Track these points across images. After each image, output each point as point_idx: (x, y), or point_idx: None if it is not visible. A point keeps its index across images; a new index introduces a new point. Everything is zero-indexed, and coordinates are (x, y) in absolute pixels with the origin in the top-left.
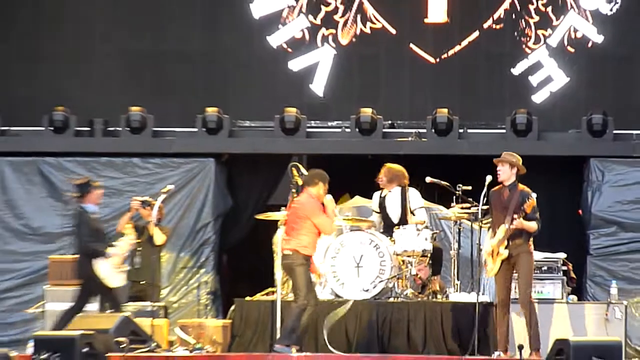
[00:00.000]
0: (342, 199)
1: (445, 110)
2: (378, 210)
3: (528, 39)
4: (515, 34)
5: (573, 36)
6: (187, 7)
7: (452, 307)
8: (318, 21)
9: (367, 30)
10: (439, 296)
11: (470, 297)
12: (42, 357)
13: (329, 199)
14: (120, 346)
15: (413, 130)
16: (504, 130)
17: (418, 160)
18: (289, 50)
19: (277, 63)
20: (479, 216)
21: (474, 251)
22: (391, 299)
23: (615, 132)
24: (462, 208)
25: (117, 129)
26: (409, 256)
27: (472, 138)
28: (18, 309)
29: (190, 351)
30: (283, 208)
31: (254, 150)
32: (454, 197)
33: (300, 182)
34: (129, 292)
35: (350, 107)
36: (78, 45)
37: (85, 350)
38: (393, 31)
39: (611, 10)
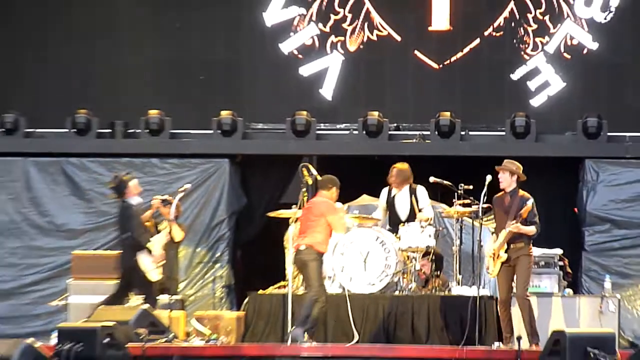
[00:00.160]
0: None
1: (448, 113)
2: (385, 207)
3: (526, 46)
4: (514, 41)
5: (569, 43)
6: (204, 16)
7: (454, 300)
8: (327, 29)
9: (374, 38)
10: (441, 290)
11: (471, 291)
12: (65, 347)
13: (339, 206)
14: (140, 337)
15: (417, 133)
16: (503, 133)
17: (422, 161)
18: (300, 56)
19: (289, 69)
20: (480, 214)
21: (474, 247)
22: (396, 293)
23: (609, 134)
24: (464, 206)
25: (137, 131)
26: (413, 252)
27: (473, 140)
28: (43, 302)
29: (206, 342)
30: (294, 206)
31: (266, 152)
32: (456, 195)
33: (310, 182)
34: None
35: (358, 110)
36: (101, 52)
37: (106, 340)
38: (398, 38)
39: (605, 18)
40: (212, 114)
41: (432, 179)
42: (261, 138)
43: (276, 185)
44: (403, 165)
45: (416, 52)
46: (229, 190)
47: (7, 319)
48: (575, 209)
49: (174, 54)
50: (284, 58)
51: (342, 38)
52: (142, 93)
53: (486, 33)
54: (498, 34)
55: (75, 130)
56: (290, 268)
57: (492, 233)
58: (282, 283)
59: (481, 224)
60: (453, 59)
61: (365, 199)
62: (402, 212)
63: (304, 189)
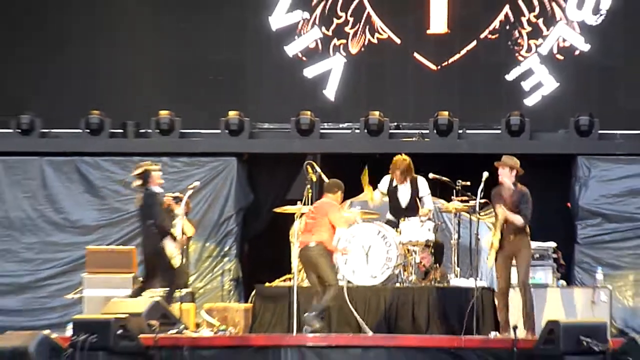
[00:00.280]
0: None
1: (446, 112)
2: (386, 193)
3: (521, 48)
4: (509, 43)
5: (562, 45)
6: (213, 20)
7: (452, 291)
8: (330, 32)
9: (375, 41)
10: (440, 282)
11: (469, 283)
12: (80, 338)
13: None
14: (152, 328)
15: (417, 131)
16: (499, 131)
17: (421, 159)
18: (304, 59)
19: (293, 71)
20: (477, 209)
21: (472, 241)
22: (397, 285)
23: (600, 132)
24: (462, 201)
25: (148, 130)
26: (413, 245)
27: (470, 138)
28: (58, 295)
29: (215, 332)
30: (299, 202)
31: (272, 150)
32: (454, 191)
33: (314, 179)
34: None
35: (360, 110)
36: (113, 55)
37: (119, 332)
38: (398, 41)
39: (597, 21)
40: (220, 114)
41: (431, 176)
42: (267, 137)
43: (282, 182)
44: (404, 161)
45: (415, 54)
46: (236, 187)
47: (24, 312)
48: (568, 204)
49: (184, 57)
50: (288, 60)
51: (344, 41)
52: (153, 94)
53: (482, 36)
54: (494, 37)
55: (88, 130)
56: (295, 262)
57: (493, 228)
58: (287, 276)
59: (478, 219)
60: (451, 60)
61: (366, 194)
62: (403, 200)
63: (309, 186)
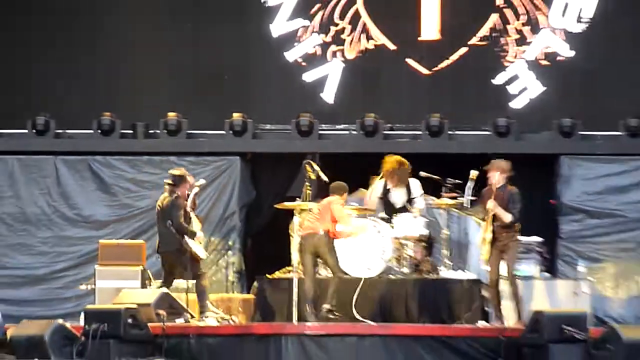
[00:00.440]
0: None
1: (437, 114)
2: (381, 196)
3: (507, 54)
4: (497, 49)
5: (546, 51)
6: (218, 27)
7: (443, 283)
8: (328, 39)
9: (370, 47)
10: (431, 274)
11: (458, 274)
12: (92, 327)
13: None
14: (160, 318)
15: (410, 132)
16: (487, 132)
17: (413, 158)
18: (303, 64)
19: (293, 75)
20: (466, 205)
21: (461, 235)
22: (391, 276)
23: (582, 133)
24: (451, 198)
25: (157, 131)
26: (406, 240)
27: (460, 139)
28: (72, 286)
29: (219, 322)
30: (298, 199)
31: (273, 150)
32: (444, 189)
33: (313, 177)
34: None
35: (356, 112)
36: (124, 60)
37: (129, 321)
38: (392, 47)
39: (579, 29)
40: (225, 116)
41: (422, 174)
42: (269, 138)
43: (282, 180)
44: (400, 165)
45: (408, 59)
46: (240, 185)
47: (40, 302)
48: (552, 201)
49: (191, 61)
50: (289, 65)
51: (341, 47)
52: (161, 97)
53: (471, 42)
54: (482, 43)
55: (100, 131)
56: (295, 254)
57: (483, 220)
58: (288, 268)
59: (467, 215)
60: (441, 65)
61: (362, 192)
62: (398, 202)
63: (308, 184)
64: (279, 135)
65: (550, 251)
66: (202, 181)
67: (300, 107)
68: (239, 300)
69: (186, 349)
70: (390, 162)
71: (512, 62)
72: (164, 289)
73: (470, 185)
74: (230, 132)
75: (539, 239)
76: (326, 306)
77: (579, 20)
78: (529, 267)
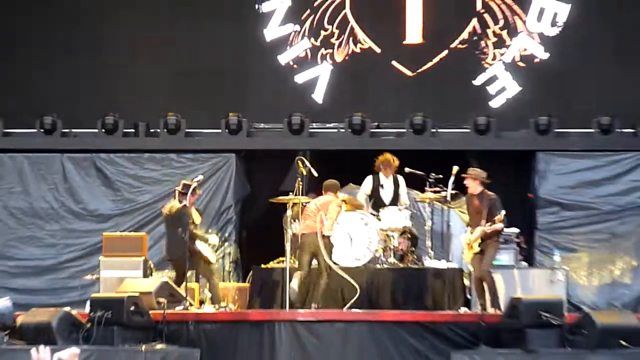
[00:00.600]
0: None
1: (421, 113)
2: (369, 193)
3: (487, 56)
4: (477, 52)
5: (523, 54)
6: (214, 31)
7: (426, 272)
8: (318, 43)
9: (358, 50)
10: (416, 263)
11: (440, 264)
12: (97, 314)
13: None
14: (161, 305)
15: (395, 130)
16: (468, 130)
17: (398, 155)
18: (295, 66)
19: (286, 77)
20: (448, 199)
21: (443, 227)
22: (378, 266)
23: (557, 131)
24: (434, 192)
25: (157, 130)
26: (392, 231)
27: (442, 136)
28: (78, 276)
29: (217, 309)
30: (291, 193)
31: (267, 147)
32: (428, 183)
33: (304, 173)
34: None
35: (344, 111)
36: (126, 63)
37: (132, 308)
38: (378, 50)
39: (554, 32)
40: (221, 115)
41: (407, 170)
42: (263, 136)
43: (275, 175)
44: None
45: (393, 62)
46: (235, 180)
47: (48, 291)
48: (530, 194)
49: (189, 63)
50: (281, 68)
51: (330, 50)
52: (161, 98)
53: (452, 45)
54: (463, 47)
55: (104, 130)
56: (287, 245)
57: (468, 226)
58: (281, 258)
59: (449, 208)
60: (425, 67)
61: (351, 186)
62: (387, 197)
63: (299, 179)
64: (272, 134)
65: (527, 242)
66: (200, 177)
67: (292, 107)
68: (235, 288)
69: (185, 335)
70: (385, 156)
71: (491, 64)
72: (164, 278)
73: (452, 180)
74: (226, 130)
75: (517, 230)
76: (314, 305)
77: (553, 24)
78: (508, 257)
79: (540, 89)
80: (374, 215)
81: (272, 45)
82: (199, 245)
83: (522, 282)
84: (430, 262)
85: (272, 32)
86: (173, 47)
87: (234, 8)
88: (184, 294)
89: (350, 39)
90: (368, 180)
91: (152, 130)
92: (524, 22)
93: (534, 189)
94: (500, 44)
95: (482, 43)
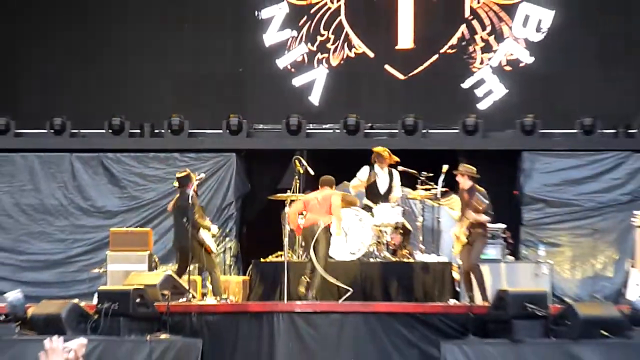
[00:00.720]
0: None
1: (412, 115)
2: (365, 181)
3: (475, 60)
4: (465, 57)
5: (509, 58)
6: (217, 37)
7: (418, 265)
8: (314, 48)
9: (352, 55)
10: (407, 257)
11: (431, 258)
12: (104, 306)
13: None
14: (165, 297)
15: (387, 131)
16: (457, 130)
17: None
18: (293, 70)
19: (284, 80)
20: (438, 196)
21: (434, 223)
22: (371, 260)
23: (541, 131)
24: (425, 190)
25: (162, 131)
26: (385, 227)
27: (432, 137)
28: (86, 269)
29: (218, 301)
30: (288, 191)
31: (266, 147)
32: (419, 181)
33: (301, 171)
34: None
35: (340, 113)
36: (132, 67)
37: (137, 300)
38: (372, 55)
39: (539, 38)
40: (222, 116)
41: (400, 168)
42: (262, 136)
43: (274, 174)
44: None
45: (386, 66)
46: (236, 178)
47: (57, 284)
48: (515, 192)
49: (192, 67)
50: (279, 71)
51: (326, 55)
52: (165, 100)
53: (442, 50)
54: (452, 51)
55: (111, 131)
56: (286, 240)
57: (458, 221)
58: (279, 253)
59: (439, 205)
60: (416, 71)
61: (345, 184)
62: (382, 187)
63: (297, 177)
64: (270, 134)
65: (513, 237)
66: (202, 175)
67: (290, 109)
68: (236, 281)
69: (188, 326)
70: (379, 149)
71: (478, 68)
72: (169, 272)
73: (442, 178)
74: (227, 131)
75: (504, 226)
76: (312, 295)
77: (538, 30)
78: (495, 251)
79: (526, 92)
80: (368, 207)
81: (271, 50)
82: (202, 234)
83: (508, 275)
84: (421, 257)
85: (270, 37)
86: (178, 52)
87: (235, 15)
88: (187, 287)
89: (345, 44)
90: (365, 169)
91: (156, 131)
92: (510, 28)
93: (519, 187)
94: (487, 49)
95: (471, 48)
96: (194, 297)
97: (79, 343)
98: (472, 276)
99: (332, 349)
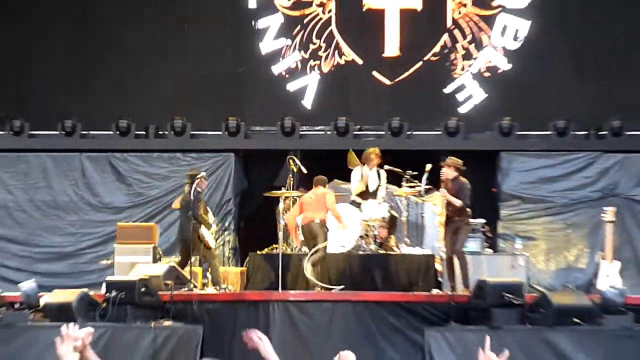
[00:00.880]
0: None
1: (398, 118)
2: (360, 179)
3: (456, 67)
4: (447, 64)
5: (488, 65)
6: (218, 45)
7: (403, 257)
8: (307, 55)
9: (342, 62)
10: (393, 250)
11: (415, 250)
12: (112, 295)
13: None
14: (168, 287)
15: (375, 132)
16: (440, 132)
17: None
18: (287, 76)
19: (279, 85)
20: (422, 193)
21: (418, 218)
22: (360, 252)
23: (518, 133)
24: (410, 187)
25: (165, 132)
26: (372, 222)
27: (417, 138)
28: (95, 261)
29: (217, 290)
30: (283, 188)
31: (262, 147)
32: (404, 179)
33: (295, 170)
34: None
35: (330, 116)
36: (138, 72)
37: (142, 290)
38: (360, 62)
39: (516, 46)
40: (222, 119)
41: (386, 167)
42: (258, 137)
43: (270, 172)
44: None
45: (374, 72)
46: (234, 176)
47: (68, 274)
48: (494, 189)
49: (194, 72)
50: (275, 77)
51: (318, 62)
52: (169, 103)
53: (426, 58)
54: (435, 59)
55: (118, 132)
56: (280, 234)
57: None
58: (274, 246)
59: (423, 201)
60: (401, 77)
61: (336, 182)
62: (371, 186)
63: (290, 175)
64: (266, 135)
65: (492, 231)
66: (203, 174)
67: (284, 112)
68: (234, 272)
69: (190, 313)
70: (367, 151)
71: (460, 74)
72: (172, 263)
73: (425, 176)
74: (226, 132)
75: (483, 221)
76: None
77: (515, 39)
78: (475, 244)
79: (504, 96)
80: (354, 203)
81: (267, 57)
82: (202, 230)
83: (488, 266)
84: (406, 249)
85: (266, 45)
86: (180, 58)
87: (234, 24)
88: (189, 277)
89: (336, 52)
90: (357, 170)
91: (160, 132)
92: (489, 37)
93: (497, 185)
94: (468, 56)
95: (452, 56)
96: (195, 286)
97: (87, 332)
98: (457, 263)
99: (324, 334)
